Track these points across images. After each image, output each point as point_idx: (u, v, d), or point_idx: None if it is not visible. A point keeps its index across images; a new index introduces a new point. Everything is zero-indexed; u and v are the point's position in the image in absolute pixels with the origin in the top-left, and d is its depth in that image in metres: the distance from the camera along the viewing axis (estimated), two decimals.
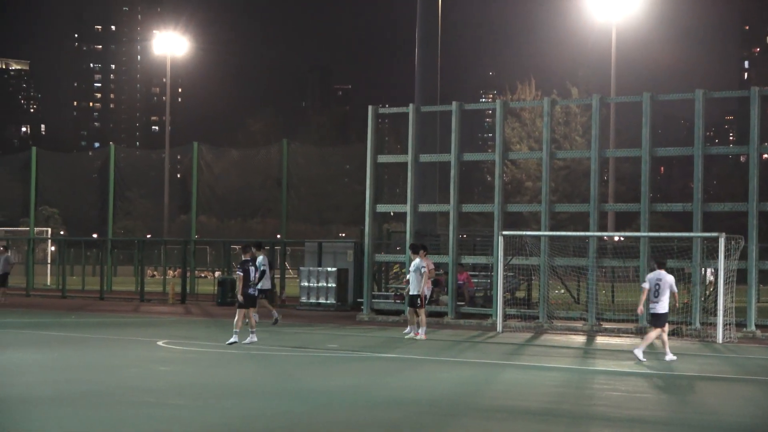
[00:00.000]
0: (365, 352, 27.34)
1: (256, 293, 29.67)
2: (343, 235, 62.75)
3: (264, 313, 35.70)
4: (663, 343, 26.16)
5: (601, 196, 41.01)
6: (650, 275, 26.49)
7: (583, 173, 64.35)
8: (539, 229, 39.70)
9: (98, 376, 21.61)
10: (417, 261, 31.66)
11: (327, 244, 48.61)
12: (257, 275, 29.49)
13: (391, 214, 47.84)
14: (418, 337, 31.01)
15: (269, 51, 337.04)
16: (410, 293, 31.82)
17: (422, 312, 31.56)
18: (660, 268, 26.11)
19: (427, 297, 32.73)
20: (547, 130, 39.82)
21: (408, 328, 32.19)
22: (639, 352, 25.43)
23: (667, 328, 26.42)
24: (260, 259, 33.06)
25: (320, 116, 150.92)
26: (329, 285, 45.42)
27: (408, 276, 32.41)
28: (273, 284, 39.10)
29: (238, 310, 28.68)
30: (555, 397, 19.71)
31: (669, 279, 25.92)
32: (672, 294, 26.09)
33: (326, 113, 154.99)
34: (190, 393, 19.23)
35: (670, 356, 25.72)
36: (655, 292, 25.71)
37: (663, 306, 25.75)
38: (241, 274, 28.72)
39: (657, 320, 25.90)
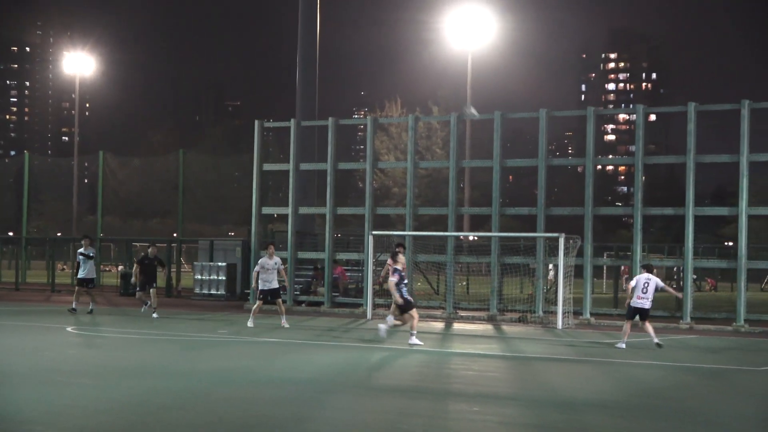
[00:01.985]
0: (251, 337, 27.21)
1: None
2: (233, 234, 62.36)
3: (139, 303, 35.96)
4: (624, 333, 26.44)
5: (459, 200, 41.31)
6: (639, 276, 27.06)
7: (442, 181, 64.62)
8: (405, 230, 39.90)
9: (12, 359, 21.21)
10: (274, 260, 31.18)
11: (218, 241, 48.34)
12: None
13: (275, 215, 47.57)
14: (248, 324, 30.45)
15: (169, 69, 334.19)
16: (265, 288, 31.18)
17: (279, 303, 31.50)
18: (648, 271, 26.58)
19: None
20: (412, 143, 40.18)
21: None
22: (622, 344, 25.77)
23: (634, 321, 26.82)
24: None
25: (214, 129, 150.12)
26: (220, 278, 45.27)
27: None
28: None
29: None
30: (418, 376, 19.77)
31: (656, 280, 26.43)
32: (662, 290, 26.64)
33: (219, 126, 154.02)
34: (95, 373, 18.98)
35: (622, 344, 25.96)
36: (644, 290, 26.16)
37: (649, 302, 26.18)
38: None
39: (644, 314, 26.26)
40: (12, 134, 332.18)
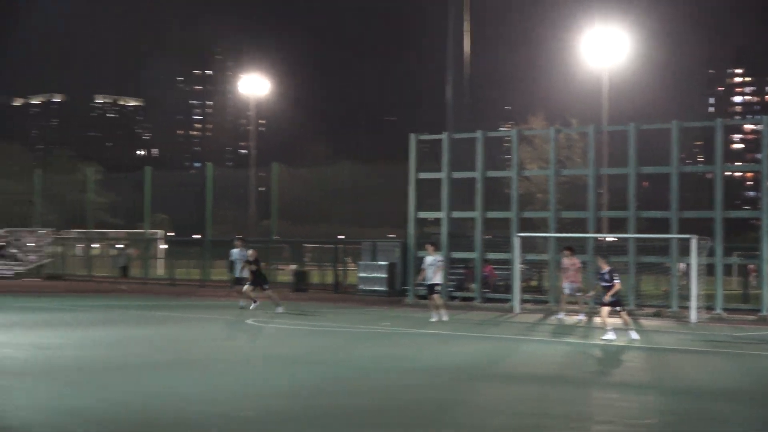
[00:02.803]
0: (411, 329, 27.30)
1: None
2: (393, 235, 62.68)
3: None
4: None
5: (597, 205, 40.84)
6: None
7: (581, 186, 63.93)
8: (548, 232, 39.69)
9: (196, 348, 21.68)
10: (431, 256, 30.80)
11: (380, 242, 48.65)
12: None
13: (430, 219, 47.68)
14: (443, 319, 30.06)
15: (332, 88, 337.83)
16: (427, 283, 31.03)
17: (437, 298, 30.65)
18: None
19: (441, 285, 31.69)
20: (553, 152, 40.12)
21: (434, 313, 31.08)
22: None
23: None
24: (431, 259, 30.75)
25: (369, 141, 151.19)
26: (381, 275, 45.55)
27: (426, 269, 31.15)
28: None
29: None
30: (561, 366, 19.61)
31: None
32: None
33: (376, 138, 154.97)
34: (270, 361, 19.26)
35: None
36: None
37: None
38: (618, 282, 25.27)
39: None
40: (196, 148, 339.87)
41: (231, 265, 35.91)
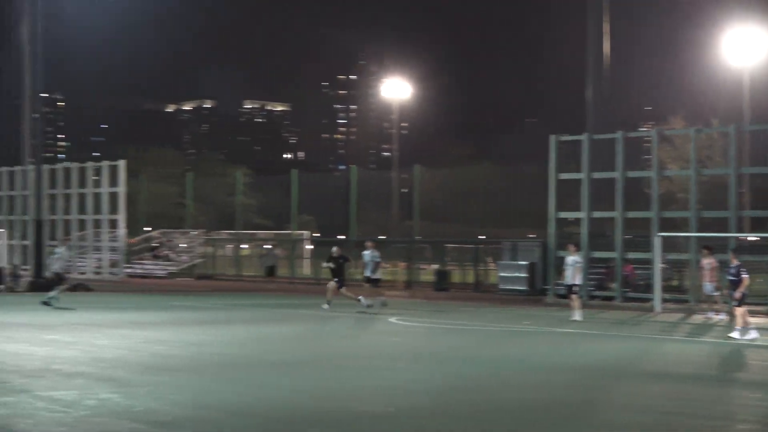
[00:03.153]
0: (549, 328, 26.99)
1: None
2: (533, 235, 62.13)
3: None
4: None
5: (739, 204, 39.81)
6: None
7: (723, 186, 62.41)
8: (688, 231, 38.88)
9: (339, 344, 21.81)
10: (572, 257, 30.42)
11: (520, 242, 48.36)
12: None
13: (570, 219, 47.12)
14: (576, 319, 29.54)
15: (474, 89, 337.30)
16: (566, 283, 30.75)
17: (575, 298, 30.25)
18: None
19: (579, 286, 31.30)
20: (694, 152, 39.36)
21: (573, 313, 30.55)
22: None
23: None
24: (571, 259, 30.46)
25: (509, 142, 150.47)
26: (521, 275, 45.26)
27: (566, 269, 30.81)
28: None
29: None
30: (703, 365, 19.12)
31: None
32: None
33: (516, 141, 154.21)
34: (411, 358, 19.24)
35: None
36: None
37: None
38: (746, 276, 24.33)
39: None
40: (341, 151, 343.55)
41: (365, 266, 35.58)
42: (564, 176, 42.56)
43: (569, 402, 14.07)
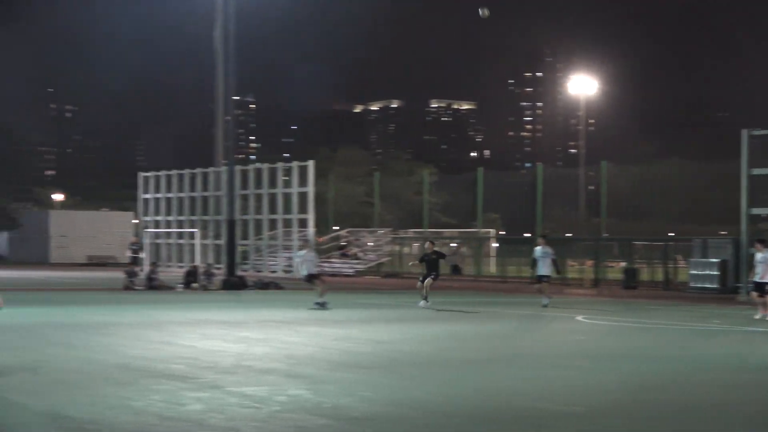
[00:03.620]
0: (743, 327, 26.19)
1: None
2: (724, 232, 60.41)
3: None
4: None
5: None
6: None
7: None
8: None
9: (529, 342, 21.69)
10: (760, 254, 28.75)
11: (711, 240, 47.17)
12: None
13: (763, 216, 45.71)
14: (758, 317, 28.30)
15: (662, 84, 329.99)
16: (756, 281, 29.33)
17: (755, 296, 28.88)
18: None
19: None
20: None
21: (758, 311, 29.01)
22: None
23: None
24: (760, 256, 28.81)
25: (699, 138, 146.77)
26: (712, 273, 44.22)
27: (756, 266, 29.39)
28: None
29: None
30: None
31: None
32: None
33: (706, 136, 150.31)
34: (599, 356, 18.99)
35: None
36: None
37: None
38: None
39: None
40: (527, 149, 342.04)
41: (533, 263, 34.63)
42: (756, 171, 41.31)
43: (761, 403, 13.64)
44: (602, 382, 15.43)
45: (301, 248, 34.12)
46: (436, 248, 34.19)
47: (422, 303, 31.86)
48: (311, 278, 31.78)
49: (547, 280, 33.34)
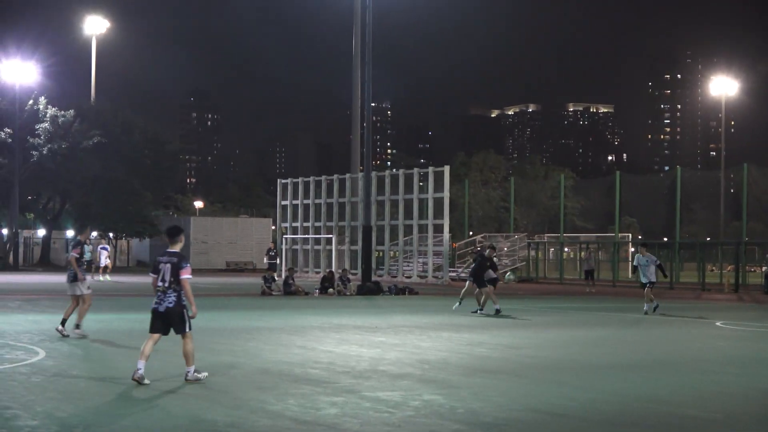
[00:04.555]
0: None
1: None
2: None
3: None
4: None
5: None
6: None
7: None
8: None
9: (664, 348, 21.41)
10: None
11: None
12: None
13: None
14: None
15: None
16: None
17: None
18: None
19: None
20: None
21: None
22: None
23: None
24: None
25: None
26: None
27: None
28: None
29: None
30: None
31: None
32: None
33: None
34: (739, 363, 18.66)
35: None
36: None
37: None
38: None
39: None
40: (666, 152, 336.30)
41: (634, 270, 33.79)
42: None
43: None
44: (742, 389, 15.18)
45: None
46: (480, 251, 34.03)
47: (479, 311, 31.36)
48: (493, 282, 31.87)
49: (652, 286, 32.28)
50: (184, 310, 14.78)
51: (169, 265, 14.68)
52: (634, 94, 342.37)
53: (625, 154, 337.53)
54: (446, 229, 59.67)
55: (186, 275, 14.65)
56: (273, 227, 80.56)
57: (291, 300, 38.73)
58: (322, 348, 19.96)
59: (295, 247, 69.12)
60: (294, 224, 70.88)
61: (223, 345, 20.34)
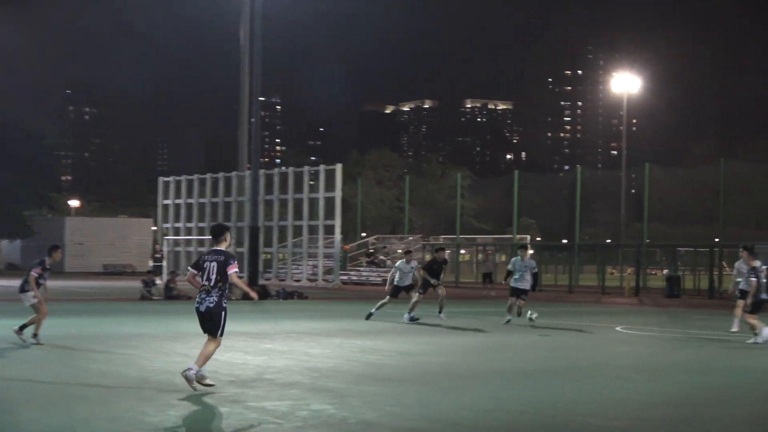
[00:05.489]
0: None
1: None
2: None
3: None
4: None
5: None
6: None
7: None
8: None
9: (570, 354, 21.67)
10: None
11: (759, 245, 46.90)
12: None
13: None
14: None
15: (710, 84, 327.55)
16: None
17: None
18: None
19: None
20: None
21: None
22: None
23: None
24: None
25: (756, 139, 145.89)
26: (762, 281, 43.95)
27: None
28: None
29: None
30: None
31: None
32: None
33: (758, 137, 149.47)
34: (640, 369, 18.99)
35: None
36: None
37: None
38: (754, 280, 24.66)
39: None
40: (566, 150, 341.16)
41: (508, 274, 32.26)
42: None
43: None
44: (643, 395, 15.44)
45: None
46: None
47: (440, 317, 30.60)
48: (408, 289, 30.70)
49: (525, 297, 30.08)
50: (223, 313, 15.07)
51: (215, 264, 14.85)
52: (534, 90, 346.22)
53: (524, 153, 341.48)
54: (338, 230, 59.69)
55: (233, 270, 14.85)
56: (154, 228, 79.69)
57: (173, 305, 38.37)
58: None
59: (177, 249, 68.47)
60: (176, 225, 70.21)
61: (100, 353, 20.03)
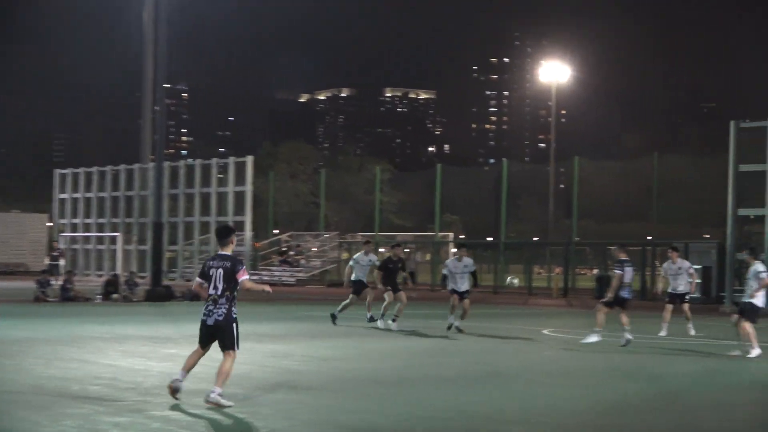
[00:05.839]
0: (728, 341, 26.45)
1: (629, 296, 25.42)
2: (708, 236, 61.02)
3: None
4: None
5: None
6: None
7: None
8: None
9: (493, 359, 21.81)
10: (754, 266, 23.97)
11: (693, 244, 47.62)
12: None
13: (751, 217, 46.18)
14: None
15: (642, 74, 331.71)
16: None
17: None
18: None
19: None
20: None
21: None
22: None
23: None
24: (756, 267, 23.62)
25: (689, 131, 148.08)
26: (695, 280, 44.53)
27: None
28: None
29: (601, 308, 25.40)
30: None
31: None
32: None
33: (694, 129, 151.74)
34: (566, 374, 19.19)
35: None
36: None
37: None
38: (619, 272, 25.02)
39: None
40: (491, 143, 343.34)
41: (444, 278, 31.86)
42: (745, 168, 41.76)
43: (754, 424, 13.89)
44: (570, 401, 15.62)
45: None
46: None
47: (389, 323, 29.45)
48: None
49: (467, 296, 29.33)
50: (234, 324, 14.59)
51: (221, 270, 14.42)
52: (458, 79, 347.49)
53: (447, 145, 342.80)
54: (248, 226, 59.49)
55: (244, 276, 14.41)
56: (50, 224, 78.73)
57: (69, 307, 37.94)
58: (104, 361, 19.61)
59: (75, 246, 67.74)
60: (74, 221, 69.45)
61: None
